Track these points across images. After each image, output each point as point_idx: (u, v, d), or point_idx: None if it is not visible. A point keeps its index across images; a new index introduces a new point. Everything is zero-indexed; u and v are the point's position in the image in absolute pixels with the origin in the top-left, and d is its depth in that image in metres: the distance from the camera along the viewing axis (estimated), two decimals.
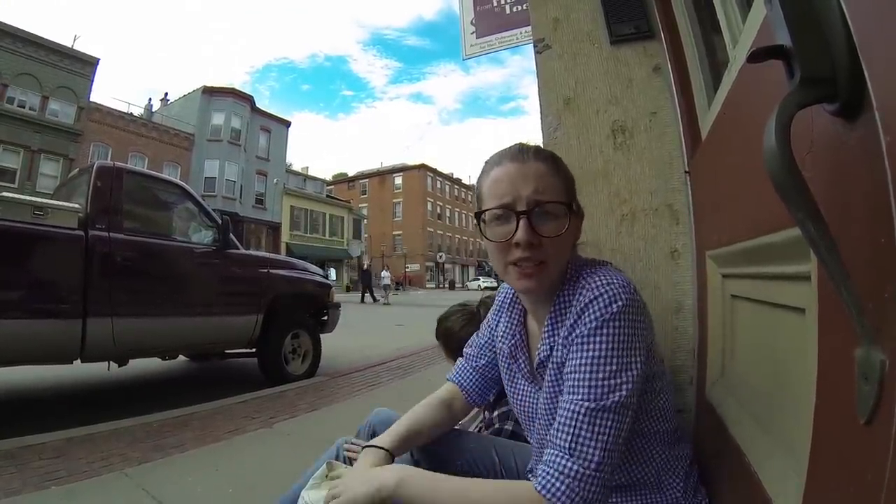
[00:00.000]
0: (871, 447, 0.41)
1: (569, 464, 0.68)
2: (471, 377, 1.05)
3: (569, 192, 0.80)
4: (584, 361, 0.71)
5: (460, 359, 1.09)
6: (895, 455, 0.37)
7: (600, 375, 0.70)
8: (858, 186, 0.44)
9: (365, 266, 24.46)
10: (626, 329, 0.71)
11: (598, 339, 0.71)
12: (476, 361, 1.05)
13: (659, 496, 0.84)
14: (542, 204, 0.75)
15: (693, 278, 1.36)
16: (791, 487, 0.61)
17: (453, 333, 1.50)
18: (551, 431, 0.72)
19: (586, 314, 0.72)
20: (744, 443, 0.83)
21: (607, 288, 0.72)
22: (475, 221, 0.82)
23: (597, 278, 0.75)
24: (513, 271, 0.77)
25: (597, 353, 0.70)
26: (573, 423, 0.69)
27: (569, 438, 0.69)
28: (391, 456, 0.88)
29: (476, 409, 1.50)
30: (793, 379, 0.67)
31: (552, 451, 0.70)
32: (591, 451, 0.67)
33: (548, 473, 0.69)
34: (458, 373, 1.07)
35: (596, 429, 0.68)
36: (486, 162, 0.83)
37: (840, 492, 0.48)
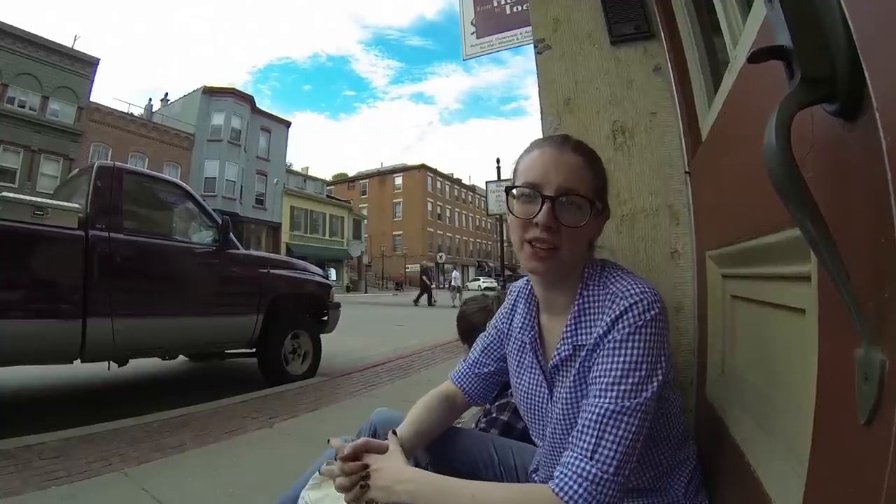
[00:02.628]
0: (871, 447, 0.41)
1: (588, 467, 0.68)
2: (473, 382, 1.05)
3: (597, 189, 0.83)
4: (614, 366, 0.72)
5: (462, 362, 1.09)
6: (895, 455, 0.37)
7: (630, 381, 0.71)
8: (858, 186, 0.44)
9: (427, 264, 22.42)
10: (657, 336, 0.73)
11: (631, 344, 0.72)
12: (480, 368, 1.04)
13: (661, 498, 0.85)
14: (568, 194, 0.78)
15: (693, 279, 1.36)
16: (791, 487, 0.61)
17: (466, 317, 1.63)
18: (574, 433, 0.73)
19: (622, 320, 0.73)
20: (744, 443, 0.83)
21: (643, 296, 0.74)
22: (505, 195, 0.85)
23: (628, 284, 0.77)
24: (527, 249, 0.80)
25: (629, 359, 0.71)
26: (598, 427, 0.70)
27: (592, 441, 0.69)
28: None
29: None
30: (793, 379, 0.67)
31: (572, 453, 0.71)
32: (611, 454, 0.68)
33: (566, 476, 0.69)
34: (460, 376, 1.07)
35: (619, 432, 0.69)
36: (530, 143, 0.87)
37: (840, 492, 0.48)
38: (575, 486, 0.67)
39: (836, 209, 0.46)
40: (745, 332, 0.98)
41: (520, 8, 3.71)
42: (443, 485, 0.77)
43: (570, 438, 0.73)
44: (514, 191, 0.82)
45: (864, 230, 0.43)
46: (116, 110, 23.30)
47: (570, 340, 0.81)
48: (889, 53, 0.38)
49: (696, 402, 1.28)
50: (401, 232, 49.43)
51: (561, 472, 0.70)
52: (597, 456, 0.68)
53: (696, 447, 0.93)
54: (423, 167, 51.17)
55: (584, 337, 0.79)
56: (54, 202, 3.14)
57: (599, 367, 0.74)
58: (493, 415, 1.41)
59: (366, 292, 33.93)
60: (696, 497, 0.86)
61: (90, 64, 21.45)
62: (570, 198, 0.78)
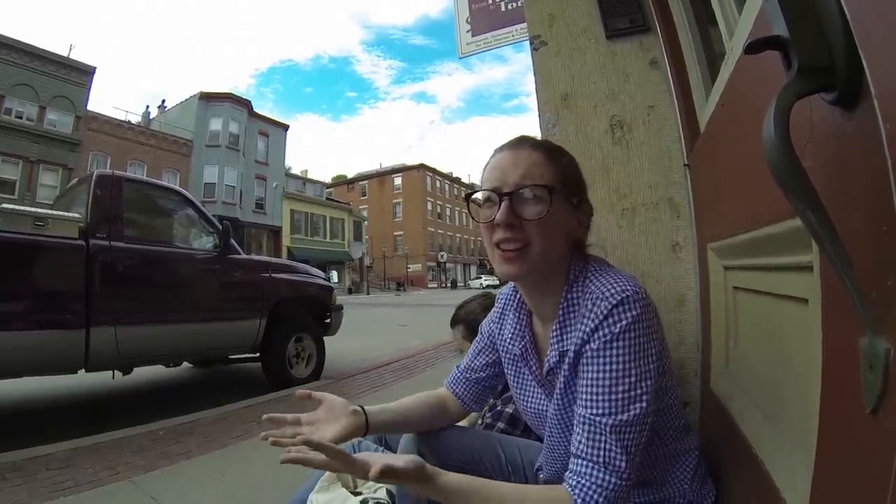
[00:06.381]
0: (877, 436, 0.41)
1: (605, 476, 0.68)
2: (465, 386, 1.03)
3: (562, 180, 0.79)
4: (601, 375, 0.71)
5: (456, 368, 1.07)
6: None
7: (620, 389, 0.70)
8: (859, 175, 0.44)
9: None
10: (641, 338, 0.71)
11: (613, 351, 0.70)
12: (472, 374, 1.02)
13: (667, 490, 0.85)
14: (524, 187, 0.76)
15: (695, 271, 1.36)
16: (800, 478, 0.60)
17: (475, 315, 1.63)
18: (575, 441, 0.72)
19: (603, 325, 0.71)
20: (750, 434, 0.83)
21: (622, 295, 0.71)
22: (467, 204, 0.84)
23: (606, 282, 0.74)
24: (497, 254, 0.78)
25: (614, 367, 0.70)
26: (601, 438, 0.70)
27: (601, 453, 0.69)
28: (364, 417, 0.87)
29: None
30: (797, 369, 0.67)
31: (585, 462, 0.70)
32: (622, 462, 0.68)
33: (584, 486, 0.69)
34: (453, 381, 1.05)
35: (623, 442, 0.69)
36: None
37: (848, 482, 0.48)
38: (596, 496, 0.68)
39: (837, 198, 0.45)
40: (748, 324, 0.98)
41: (514, 5, 3.70)
42: (462, 481, 0.73)
43: (577, 446, 0.72)
44: (476, 197, 0.81)
45: (866, 218, 0.43)
46: (114, 118, 23.33)
47: (556, 347, 0.80)
48: (886, 40, 0.38)
49: (701, 395, 1.28)
50: (401, 232, 49.43)
51: (578, 482, 0.70)
52: (610, 465, 0.69)
53: (698, 437, 0.93)
54: (422, 167, 51.14)
55: (567, 342, 0.78)
56: (54, 212, 3.14)
57: (587, 374, 0.72)
58: (499, 407, 1.43)
59: (368, 293, 33.96)
60: (703, 487, 0.86)
61: (86, 73, 21.47)
62: (528, 190, 0.75)
